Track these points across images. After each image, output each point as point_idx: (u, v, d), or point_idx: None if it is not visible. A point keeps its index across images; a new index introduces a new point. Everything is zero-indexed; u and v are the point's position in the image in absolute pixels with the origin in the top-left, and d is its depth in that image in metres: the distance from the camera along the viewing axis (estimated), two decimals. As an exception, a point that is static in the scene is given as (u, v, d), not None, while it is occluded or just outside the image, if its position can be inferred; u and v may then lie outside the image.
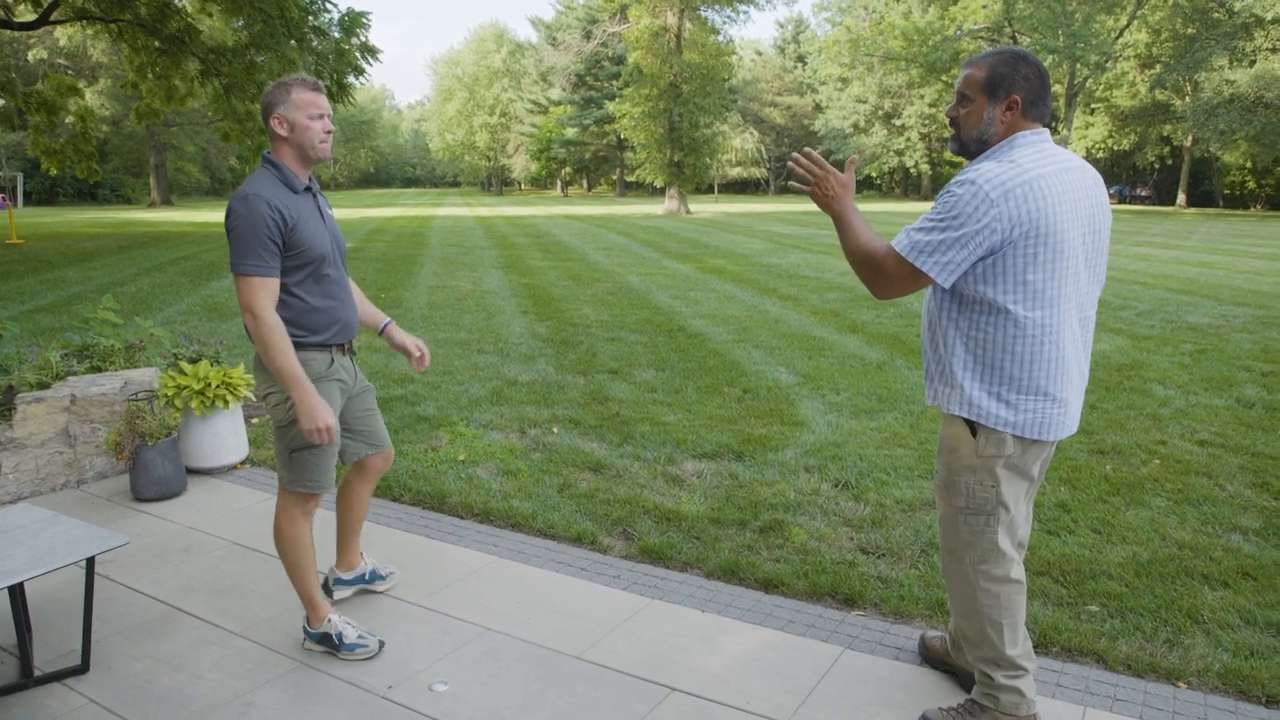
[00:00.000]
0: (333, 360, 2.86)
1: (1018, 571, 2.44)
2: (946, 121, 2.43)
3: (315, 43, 16.06)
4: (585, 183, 79.10)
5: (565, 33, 60.69)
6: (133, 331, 5.68)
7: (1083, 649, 2.99)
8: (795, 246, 19.10)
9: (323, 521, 3.75)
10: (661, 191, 65.19)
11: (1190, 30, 36.11)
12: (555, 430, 5.47)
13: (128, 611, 3.32)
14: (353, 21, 15.96)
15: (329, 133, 2.79)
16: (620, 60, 57.45)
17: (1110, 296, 11.25)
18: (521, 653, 3.02)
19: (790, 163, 2.41)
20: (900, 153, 61.73)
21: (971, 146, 2.33)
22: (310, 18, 15.84)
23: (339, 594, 3.30)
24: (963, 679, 2.80)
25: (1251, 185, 50.88)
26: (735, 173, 68.31)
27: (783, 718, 2.65)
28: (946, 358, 2.35)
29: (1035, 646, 2.97)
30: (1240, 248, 20.05)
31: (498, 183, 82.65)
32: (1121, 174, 61.63)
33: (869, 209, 41.54)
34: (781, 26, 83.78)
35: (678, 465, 4.85)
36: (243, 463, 5.04)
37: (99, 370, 5.25)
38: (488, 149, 77.34)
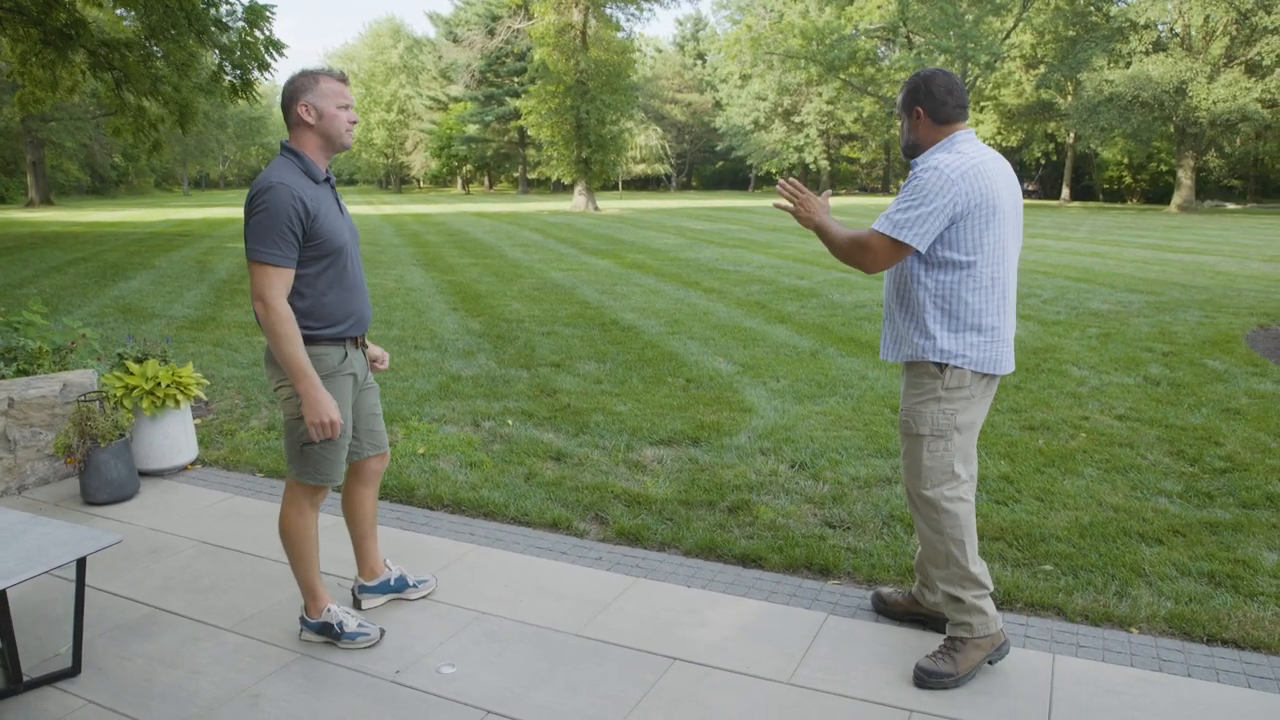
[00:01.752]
0: (346, 354, 2.86)
1: (969, 493, 2.84)
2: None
3: (219, 35, 15.46)
4: (487, 180, 78.26)
5: (465, 28, 59.91)
6: (60, 333, 5.46)
7: (1043, 604, 3.25)
8: (709, 241, 19.43)
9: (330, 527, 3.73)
10: (565, 188, 65.18)
11: (1071, 33, 38.18)
12: (510, 422, 5.52)
13: (106, 614, 3.25)
14: (256, 14, 15.42)
15: (354, 123, 2.80)
16: (523, 57, 57.12)
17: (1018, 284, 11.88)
18: (521, 633, 3.10)
19: (778, 187, 2.86)
20: (800, 149, 63.14)
21: (906, 151, 2.87)
22: (211, 9, 15.25)
23: (368, 603, 3.24)
24: (932, 624, 3.09)
25: (1128, 180, 54.22)
26: (640, 169, 68.75)
27: (783, 678, 2.81)
28: (920, 315, 2.77)
29: (1000, 604, 3.24)
30: (1125, 238, 21.36)
31: (396, 180, 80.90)
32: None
33: (767, 204, 42.29)
34: (681, 24, 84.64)
35: (637, 452, 4.97)
36: (193, 463, 4.93)
37: (27, 373, 5.04)
38: (385, 146, 75.58)
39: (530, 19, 33.78)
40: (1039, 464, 4.65)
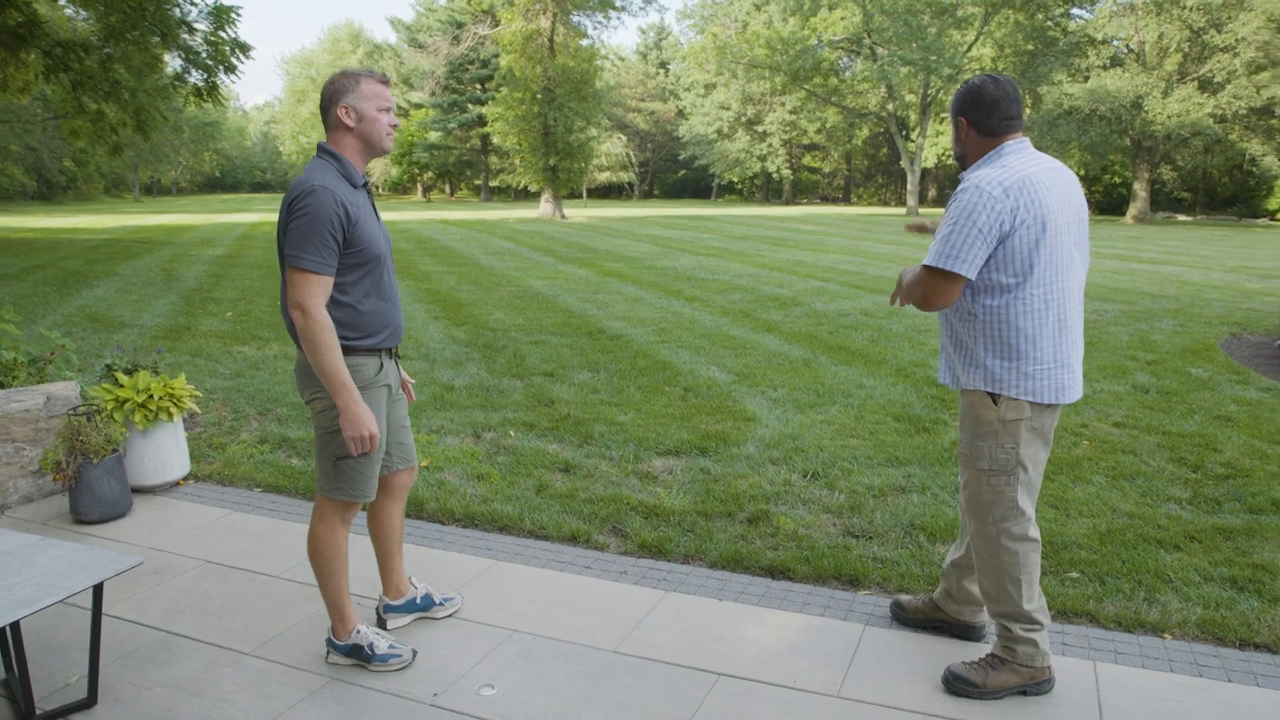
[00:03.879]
0: (382, 365, 2.77)
1: (1034, 531, 2.71)
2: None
3: (184, 37, 15.12)
4: (448, 188, 77.64)
5: (427, 34, 59.48)
6: (36, 344, 5.26)
7: (1076, 610, 3.25)
8: (683, 249, 19.44)
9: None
10: (528, 196, 64.93)
11: (1030, 47, 38.91)
12: (512, 433, 5.43)
13: (114, 639, 3.11)
14: (222, 14, 15.12)
15: (394, 127, 2.71)
16: (487, 64, 56.81)
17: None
18: (557, 651, 3.02)
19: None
20: (763, 158, 63.56)
21: (959, 163, 2.76)
22: (175, 10, 14.91)
23: (393, 623, 3.14)
24: (950, 630, 3.09)
25: (1084, 191, 55.29)
26: (604, 177, 68.71)
27: (831, 692, 2.77)
28: (969, 343, 2.65)
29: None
30: (1090, 249, 21.74)
31: (355, 188, 79.75)
32: (965, 180, 65.46)
33: (733, 213, 42.70)
34: (644, 33, 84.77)
35: (646, 463, 4.91)
36: (185, 478, 4.76)
37: (3, 386, 4.84)
38: (344, 153, 74.56)
39: (496, 25, 33.59)
40: (1047, 472, 4.66)
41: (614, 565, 3.70)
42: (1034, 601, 2.71)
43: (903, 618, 3.20)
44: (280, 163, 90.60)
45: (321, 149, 2.66)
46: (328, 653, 2.95)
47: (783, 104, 58.53)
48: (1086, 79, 36.99)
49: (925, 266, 2.57)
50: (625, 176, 69.28)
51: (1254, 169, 40.14)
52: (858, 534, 3.95)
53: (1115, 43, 38.99)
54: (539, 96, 31.48)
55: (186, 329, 8.87)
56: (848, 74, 49.74)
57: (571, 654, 3.00)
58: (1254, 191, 46.26)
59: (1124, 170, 45.79)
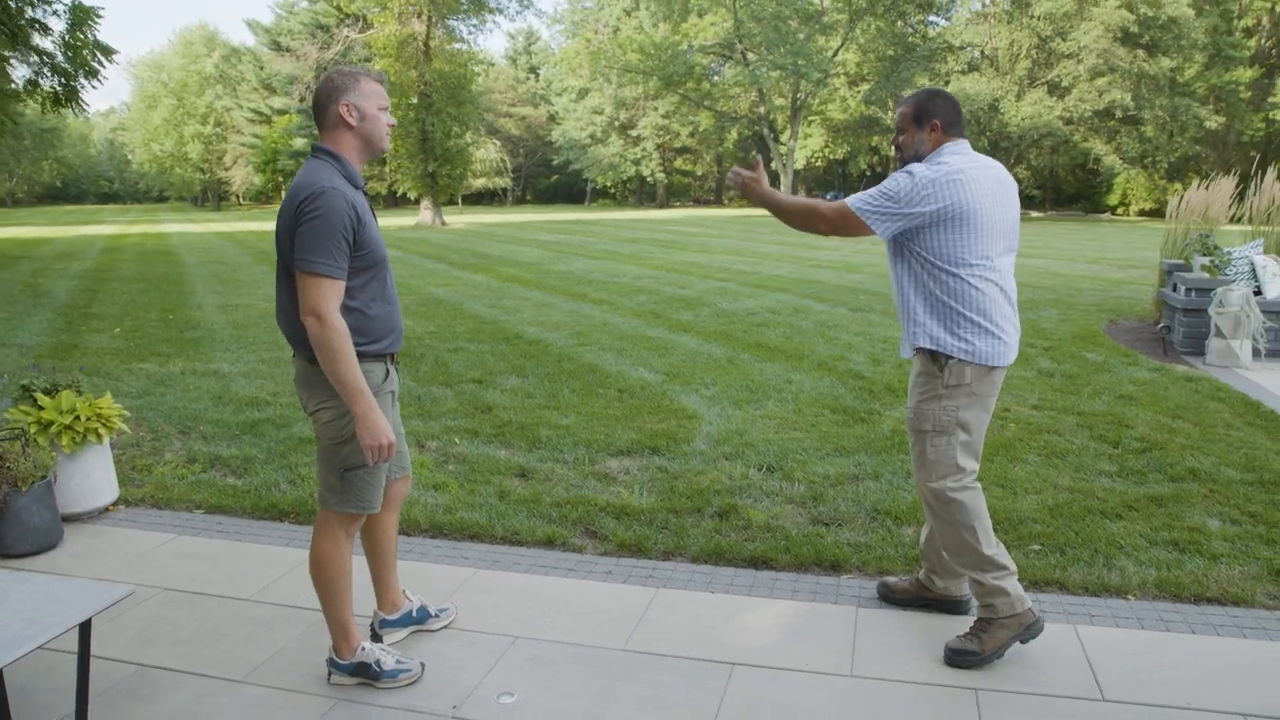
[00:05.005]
0: (388, 371, 2.68)
1: (973, 483, 2.96)
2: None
3: (37, 38, 14.07)
4: (315, 196, 74.64)
5: (290, 38, 57.32)
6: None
7: (1046, 580, 3.46)
8: (575, 253, 19.43)
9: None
10: (398, 203, 63.32)
11: (891, 52, 40.83)
12: (457, 441, 5.32)
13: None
14: (83, 14, 14.13)
15: (391, 126, 2.63)
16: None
17: (886, 289, 12.56)
18: (565, 654, 2.99)
19: (729, 180, 3.04)
20: (637, 162, 64.22)
21: (910, 160, 2.94)
22: (29, 8, 13.85)
23: (390, 638, 3.02)
24: (938, 607, 3.25)
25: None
26: (479, 183, 67.83)
27: (845, 672, 2.86)
28: (918, 311, 2.90)
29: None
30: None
31: (214, 197, 76.04)
32: (834, 181, 68.17)
33: (611, 217, 42.94)
34: (513, 38, 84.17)
35: (601, 464, 4.91)
36: (114, 504, 4.46)
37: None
38: (202, 161, 70.86)
39: (368, 29, 32.67)
40: (988, 453, 4.92)
41: (597, 566, 3.69)
42: (993, 547, 2.92)
43: (891, 599, 3.33)
44: (130, 172, 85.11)
45: (319, 149, 2.56)
46: (329, 674, 2.83)
47: (655, 108, 59.29)
48: (947, 83, 39.12)
49: (846, 206, 2.82)
50: (500, 182, 68.57)
51: (1096, 167, 43.34)
52: (826, 522, 4.07)
53: (971, 49, 41.38)
54: (415, 102, 30.82)
55: (74, 346, 8.27)
56: (718, 78, 50.88)
57: (581, 656, 2.98)
58: (1096, 189, 49.97)
59: (979, 171, 48.43)
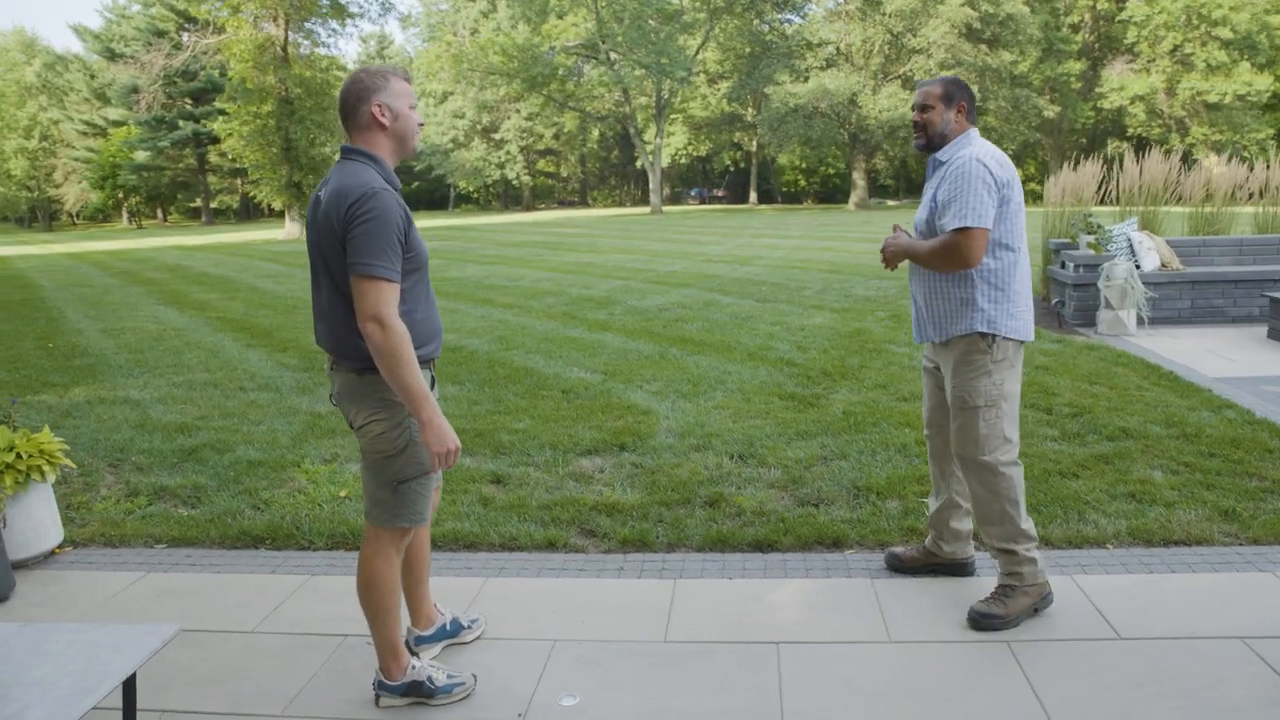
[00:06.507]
0: (433, 378, 2.61)
1: (1017, 457, 3.12)
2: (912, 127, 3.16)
3: None
4: (160, 212, 70.56)
5: (122, 44, 53.84)
6: None
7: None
8: (462, 259, 19.12)
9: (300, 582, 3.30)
10: (252, 216, 60.47)
11: (750, 50, 42.01)
12: (418, 453, 5.19)
13: (102, 729, 2.70)
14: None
15: (421, 125, 2.57)
16: (195, 75, 52.26)
17: (784, 280, 12.96)
18: (609, 651, 3.00)
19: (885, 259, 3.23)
20: (501, 166, 63.56)
21: (935, 140, 3.09)
22: None
23: (425, 654, 2.92)
24: (945, 571, 3.43)
25: (803, 183, 60.65)
26: (341, 192, 65.46)
27: (884, 639, 2.99)
28: (968, 291, 3.01)
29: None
30: (836, 234, 23.92)
31: (44, 217, 70.39)
32: (696, 177, 69.52)
33: (482, 221, 42.47)
34: (365, 42, 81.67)
35: (573, 465, 4.90)
36: (60, 546, 4.14)
37: None
38: (28, 178, 65.53)
39: (219, 34, 31.08)
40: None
41: (607, 564, 3.70)
42: (1027, 520, 3.10)
43: (900, 568, 3.49)
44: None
45: (354, 151, 2.48)
46: (377, 697, 2.74)
47: (519, 110, 58.82)
48: (807, 79, 40.57)
49: (969, 228, 2.86)
50: (364, 190, 66.42)
51: (944, 157, 45.81)
52: (814, 502, 4.21)
53: (828, 45, 43.07)
54: (275, 109, 29.54)
55: (-49, 383, 7.56)
56: (583, 78, 51.02)
57: (626, 651, 2.99)
58: (943, 177, 52.80)
59: (837, 162, 50.66)
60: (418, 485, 2.56)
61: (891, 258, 3.19)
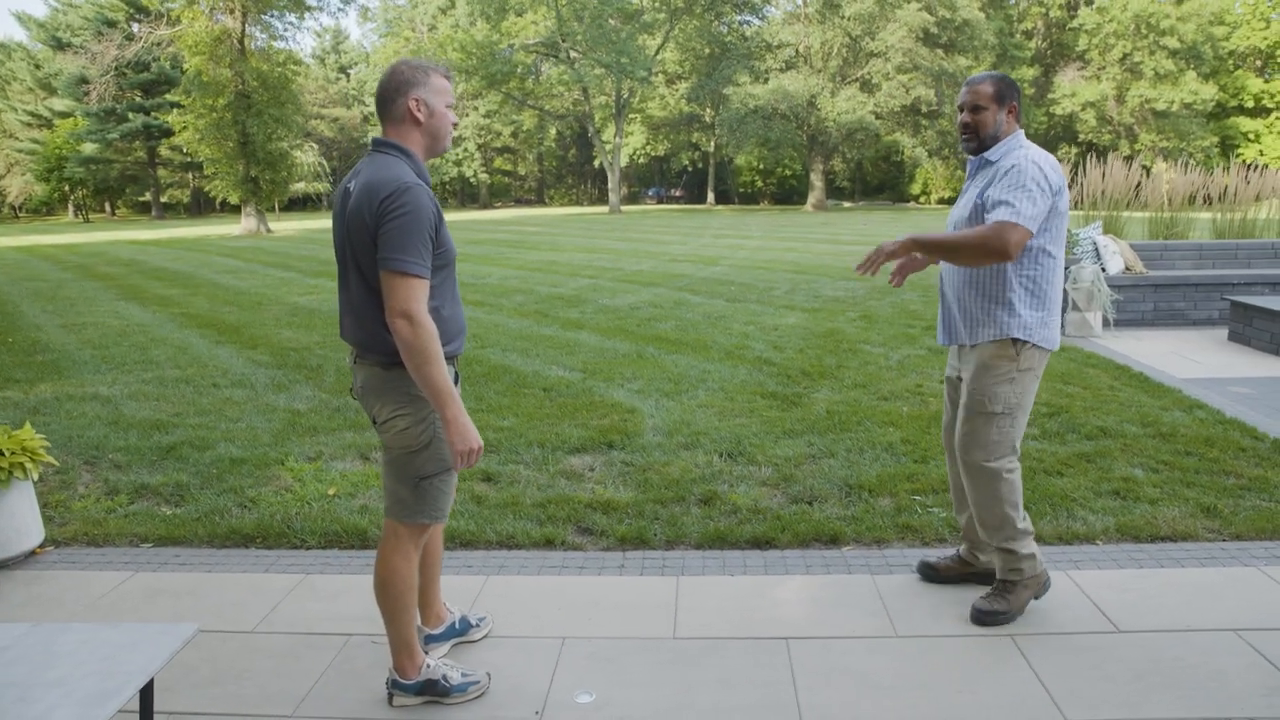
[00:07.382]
0: (457, 374, 2.59)
1: (1018, 463, 3.15)
2: (958, 128, 3.13)
3: None
4: (108, 206, 68.77)
5: (69, 33, 52.40)
6: None
7: (1025, 535, 3.77)
8: (426, 257, 18.92)
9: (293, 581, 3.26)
10: (203, 210, 59.23)
11: (709, 51, 42.22)
12: (404, 451, 5.14)
13: (106, 732, 2.63)
14: None
15: (454, 125, 2.54)
16: (147, 66, 51.06)
17: (752, 280, 13.05)
18: (621, 648, 3.00)
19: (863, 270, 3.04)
20: (459, 163, 63.07)
21: (987, 141, 3.01)
22: None
23: (435, 653, 2.91)
24: (989, 579, 3.35)
25: (760, 184, 61.07)
26: (299, 188, 64.51)
27: (892, 634, 3.03)
28: (1006, 295, 2.95)
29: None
30: (798, 234, 24.11)
31: (-14, 210, 68.27)
32: (653, 177, 69.63)
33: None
34: (320, 36, 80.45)
35: (563, 463, 4.89)
36: (41, 546, 4.04)
37: None
38: (-35, 171, 63.53)
39: (173, 26, 30.36)
40: (920, 427, 5.28)
41: (608, 561, 3.70)
42: (1025, 520, 3.14)
43: (935, 578, 3.41)
44: None
45: (387, 144, 2.45)
46: (390, 696, 2.71)
47: (477, 108, 58.41)
48: (767, 80, 40.88)
49: (1016, 225, 2.73)
50: (320, 187, 65.59)
51: (900, 159, 46.59)
52: (807, 500, 4.25)
53: (787, 47, 43.44)
54: (232, 103, 28.97)
55: (-95, 381, 7.30)
56: (543, 76, 50.84)
57: (638, 648, 3.00)
58: (898, 179, 53.65)
59: (794, 164, 51.12)
60: (439, 482, 2.55)
61: (900, 250, 2.90)
